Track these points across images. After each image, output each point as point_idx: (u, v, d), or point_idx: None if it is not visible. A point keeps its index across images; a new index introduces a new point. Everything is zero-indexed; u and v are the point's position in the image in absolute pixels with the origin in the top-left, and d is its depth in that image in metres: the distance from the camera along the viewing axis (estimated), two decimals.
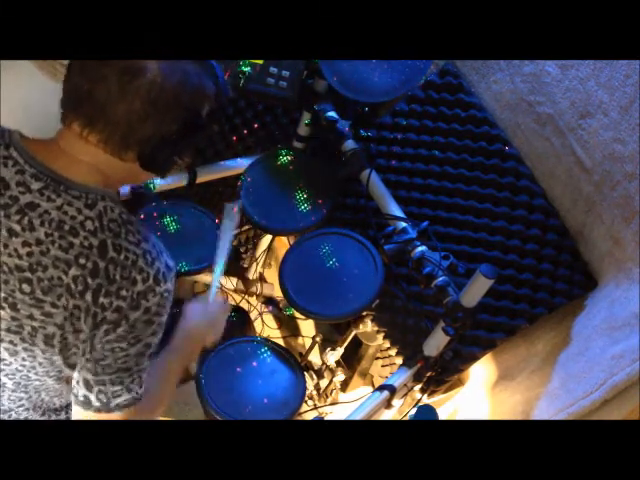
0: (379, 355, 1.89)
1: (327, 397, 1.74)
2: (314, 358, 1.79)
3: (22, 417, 1.15)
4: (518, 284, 1.47)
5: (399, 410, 1.52)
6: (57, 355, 1.02)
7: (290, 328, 2.10)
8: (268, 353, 1.46)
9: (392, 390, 1.40)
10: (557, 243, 1.46)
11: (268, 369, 1.43)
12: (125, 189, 1.53)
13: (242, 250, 2.09)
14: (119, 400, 1.02)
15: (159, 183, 1.60)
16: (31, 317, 0.98)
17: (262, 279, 2.07)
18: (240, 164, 1.73)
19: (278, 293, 2.01)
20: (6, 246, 0.95)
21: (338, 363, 1.78)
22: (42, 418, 1.17)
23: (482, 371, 1.60)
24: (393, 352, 1.65)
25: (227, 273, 1.85)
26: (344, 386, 1.85)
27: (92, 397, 1.02)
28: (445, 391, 1.60)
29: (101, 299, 0.97)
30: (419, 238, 1.39)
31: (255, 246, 2.02)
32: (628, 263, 1.30)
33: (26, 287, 0.96)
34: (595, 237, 1.40)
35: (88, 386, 1.02)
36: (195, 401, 1.37)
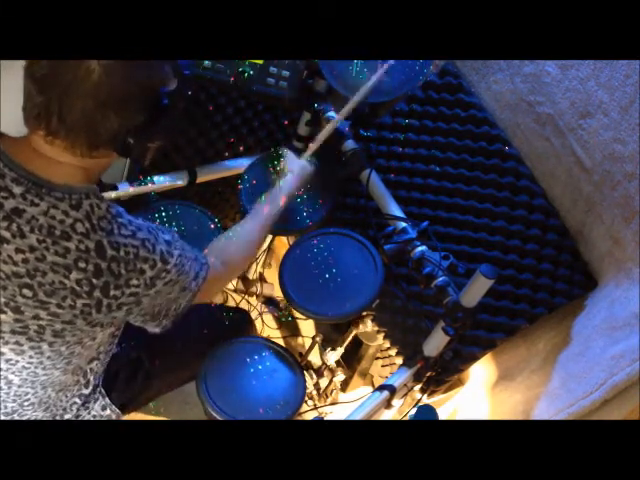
0: (379, 355, 1.89)
1: (327, 397, 1.74)
2: (314, 358, 1.79)
3: (27, 416, 1.15)
4: (518, 284, 1.47)
5: (399, 410, 1.52)
6: (67, 342, 1.02)
7: (290, 328, 2.10)
8: (268, 353, 1.46)
9: (392, 390, 1.40)
10: (557, 243, 1.46)
11: (268, 369, 1.43)
12: (125, 189, 1.53)
13: None
14: (193, 288, 1.10)
15: (159, 183, 1.60)
16: (37, 317, 0.98)
17: (262, 279, 2.08)
18: (240, 164, 1.73)
19: (278, 293, 2.01)
20: None
21: (338, 363, 1.78)
22: (47, 415, 1.17)
23: (482, 371, 1.60)
24: (393, 352, 1.65)
25: None
26: (344, 386, 1.85)
27: (165, 322, 1.12)
28: (445, 391, 1.60)
29: (112, 292, 0.97)
30: (419, 238, 1.39)
31: None
32: (628, 263, 1.30)
33: (27, 292, 0.96)
34: (595, 237, 1.40)
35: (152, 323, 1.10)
36: (195, 401, 1.36)
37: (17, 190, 0.93)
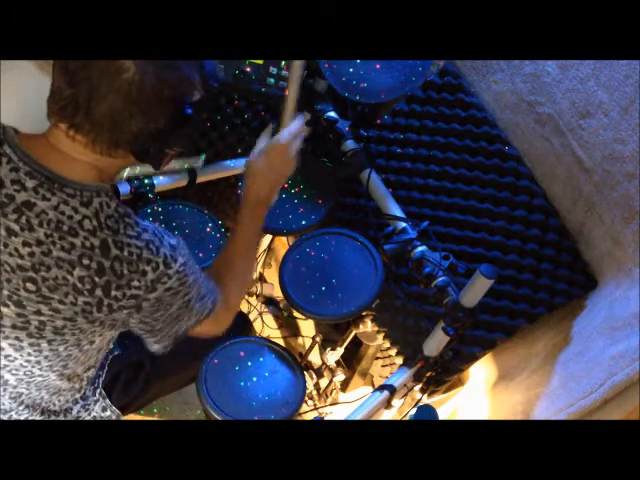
0: (379, 355, 1.89)
1: (327, 397, 1.74)
2: (314, 358, 1.79)
3: (23, 417, 1.15)
4: (518, 284, 1.47)
5: (399, 410, 1.52)
6: (66, 342, 1.02)
7: (290, 328, 2.10)
8: (268, 353, 1.46)
9: (392, 390, 1.40)
10: (557, 243, 1.46)
11: (268, 369, 1.43)
12: (126, 189, 1.53)
13: None
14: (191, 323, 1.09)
15: (159, 183, 1.60)
16: (38, 312, 0.98)
17: (262, 279, 2.07)
18: (240, 164, 1.73)
19: (278, 293, 2.01)
20: (6, 245, 0.95)
21: (338, 363, 1.78)
22: (41, 418, 1.17)
23: (482, 371, 1.60)
24: (393, 352, 1.65)
25: None
26: (344, 386, 1.85)
27: (165, 342, 1.10)
28: (445, 391, 1.60)
29: (113, 292, 0.97)
30: (419, 238, 1.39)
31: None
32: (628, 263, 1.30)
33: (30, 286, 0.96)
34: (595, 237, 1.40)
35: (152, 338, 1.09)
36: (195, 401, 1.37)
37: (30, 184, 0.94)
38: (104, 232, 0.95)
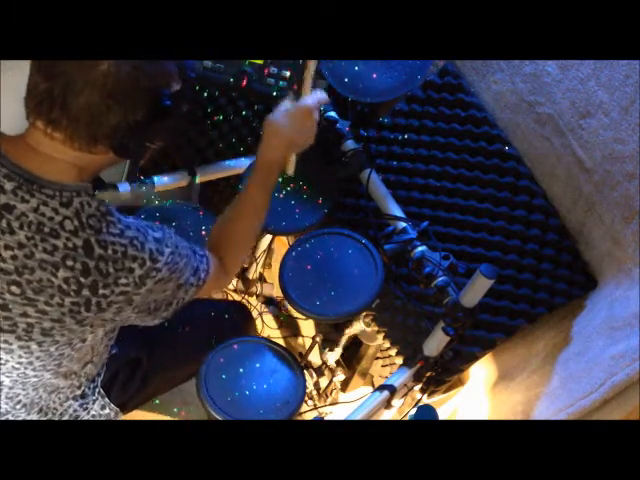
0: (379, 355, 1.89)
1: (327, 397, 1.74)
2: (314, 358, 1.79)
3: (21, 418, 1.15)
4: (518, 284, 1.47)
5: (399, 410, 1.52)
6: (57, 342, 1.02)
7: (290, 328, 2.10)
8: (268, 353, 1.46)
9: (392, 390, 1.40)
10: (557, 243, 1.46)
11: (268, 369, 1.43)
12: (125, 188, 1.53)
13: None
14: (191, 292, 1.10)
15: (159, 183, 1.60)
16: (25, 315, 0.97)
17: (262, 279, 2.07)
18: (240, 164, 1.73)
19: (278, 293, 2.01)
20: None
21: (338, 363, 1.78)
22: (39, 417, 1.16)
23: (482, 371, 1.60)
24: (393, 352, 1.65)
25: None
26: (344, 386, 1.85)
27: (164, 315, 1.10)
28: (445, 391, 1.60)
29: (101, 290, 0.96)
30: (419, 238, 1.39)
31: (255, 246, 2.03)
32: (628, 263, 1.30)
33: (15, 289, 0.95)
34: (595, 237, 1.40)
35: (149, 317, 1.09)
36: (195, 401, 1.37)
37: (8, 186, 0.92)
38: (86, 232, 0.94)
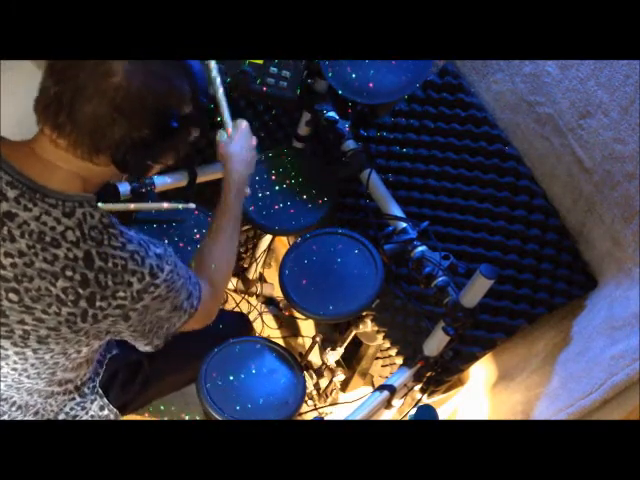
0: (379, 355, 1.89)
1: (327, 397, 1.74)
2: (314, 358, 1.79)
3: (18, 419, 1.14)
4: (518, 284, 1.47)
5: (399, 410, 1.52)
6: (52, 350, 1.02)
7: (290, 328, 2.10)
8: (268, 353, 1.46)
9: (392, 390, 1.40)
10: (557, 243, 1.46)
11: (268, 369, 1.43)
12: (126, 189, 1.53)
13: (242, 250, 2.09)
14: (178, 326, 1.10)
15: (159, 183, 1.60)
16: (22, 322, 0.97)
17: (262, 279, 2.08)
18: None
19: (278, 293, 2.01)
20: None
21: (338, 363, 1.78)
22: (36, 418, 1.16)
23: (482, 371, 1.60)
24: (393, 352, 1.65)
25: None
26: (344, 386, 1.85)
27: (156, 342, 1.10)
28: (445, 391, 1.60)
29: (98, 303, 0.96)
30: (419, 238, 1.39)
31: (255, 246, 2.02)
32: (628, 263, 1.30)
33: (13, 296, 0.95)
34: (595, 237, 1.40)
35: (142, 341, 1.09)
36: (195, 401, 1.37)
37: (11, 194, 0.92)
38: (87, 243, 0.94)
